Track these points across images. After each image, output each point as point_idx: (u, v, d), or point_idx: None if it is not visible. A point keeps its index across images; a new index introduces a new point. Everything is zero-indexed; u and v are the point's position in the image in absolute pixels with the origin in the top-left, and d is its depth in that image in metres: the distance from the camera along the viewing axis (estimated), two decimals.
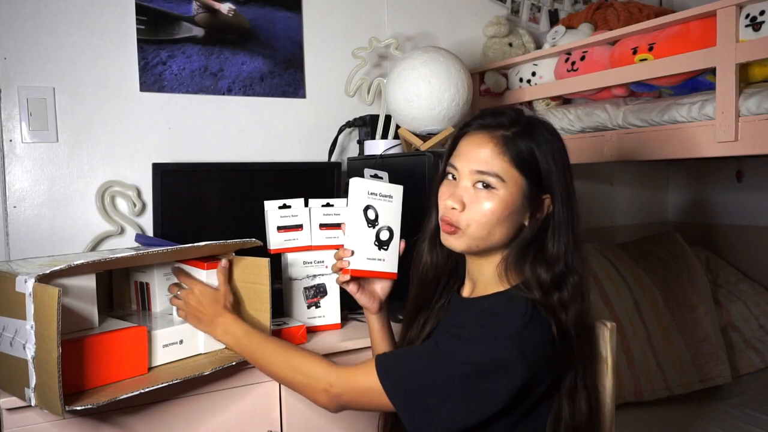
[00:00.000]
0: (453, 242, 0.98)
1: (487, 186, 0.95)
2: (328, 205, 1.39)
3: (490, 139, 0.96)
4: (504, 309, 0.92)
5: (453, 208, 0.96)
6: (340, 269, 1.08)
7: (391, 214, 1.11)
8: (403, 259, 1.12)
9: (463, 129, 1.02)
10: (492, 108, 1.04)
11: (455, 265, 1.09)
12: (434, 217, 1.04)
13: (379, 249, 1.09)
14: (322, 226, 1.38)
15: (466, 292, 1.06)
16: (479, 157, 0.95)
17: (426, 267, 1.08)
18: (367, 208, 1.08)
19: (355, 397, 0.94)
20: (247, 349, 1.07)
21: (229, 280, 1.19)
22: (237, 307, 1.18)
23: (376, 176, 1.31)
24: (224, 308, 1.13)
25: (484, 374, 0.86)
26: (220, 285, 1.16)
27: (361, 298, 1.11)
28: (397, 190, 1.12)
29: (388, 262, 1.11)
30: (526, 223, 0.97)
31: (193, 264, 1.19)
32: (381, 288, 1.13)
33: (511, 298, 0.94)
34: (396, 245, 1.12)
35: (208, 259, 1.18)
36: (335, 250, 1.10)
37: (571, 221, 0.97)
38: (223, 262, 1.18)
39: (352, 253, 1.07)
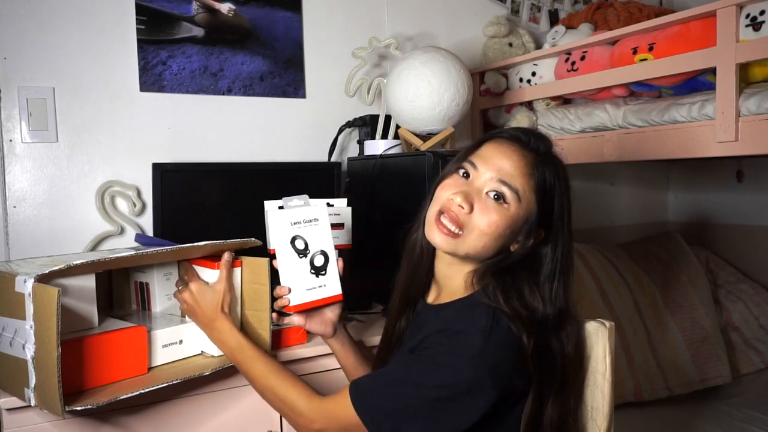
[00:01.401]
0: (445, 243, 0.93)
1: (499, 198, 0.92)
2: (328, 205, 1.39)
3: (522, 156, 0.93)
4: (464, 324, 0.89)
5: (460, 206, 0.92)
6: (282, 307, 1.06)
7: (321, 236, 1.07)
8: (394, 250, 1.09)
9: (493, 134, 0.99)
10: (525, 128, 1.03)
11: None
12: (432, 207, 0.98)
13: (317, 276, 1.06)
14: None
15: (431, 297, 1.03)
16: (505, 167, 0.92)
17: (417, 255, 1.03)
18: (293, 239, 1.04)
19: (337, 430, 0.92)
20: (237, 363, 1.05)
21: (232, 276, 1.14)
22: (236, 307, 1.16)
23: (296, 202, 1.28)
24: (221, 312, 1.07)
25: (454, 396, 0.85)
26: (220, 282, 1.10)
27: (312, 327, 1.09)
28: (320, 210, 1.08)
29: (330, 285, 1.08)
30: (513, 249, 0.96)
31: (202, 264, 1.15)
32: (331, 311, 1.10)
33: (471, 306, 0.92)
34: (334, 266, 1.09)
35: (217, 258, 1.13)
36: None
37: (566, 260, 0.96)
38: (226, 255, 1.12)
39: (290, 290, 1.05)
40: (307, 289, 1.05)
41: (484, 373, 0.84)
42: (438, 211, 0.94)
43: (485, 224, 0.91)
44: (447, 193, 0.94)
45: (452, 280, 0.99)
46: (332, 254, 1.08)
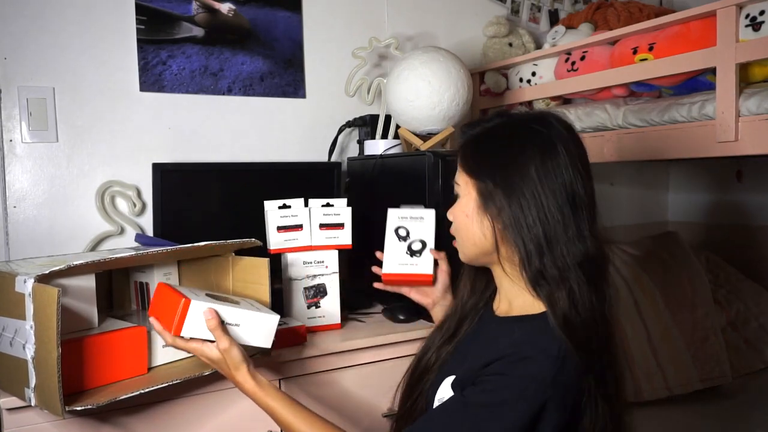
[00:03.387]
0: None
1: (456, 195, 0.97)
2: (328, 205, 1.39)
3: (459, 149, 0.98)
4: (532, 349, 0.84)
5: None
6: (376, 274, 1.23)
7: (424, 230, 1.27)
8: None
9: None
10: (468, 122, 1.06)
11: (490, 283, 1.03)
12: None
13: (411, 256, 1.25)
14: (322, 226, 1.38)
15: (495, 304, 1.01)
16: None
17: (461, 277, 1.07)
18: (397, 228, 1.27)
19: None
20: (265, 409, 0.99)
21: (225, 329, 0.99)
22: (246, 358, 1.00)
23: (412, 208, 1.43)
24: (234, 371, 0.98)
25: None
26: (219, 344, 0.97)
27: (414, 296, 1.24)
28: (428, 213, 1.28)
29: (422, 266, 1.24)
30: (486, 231, 0.92)
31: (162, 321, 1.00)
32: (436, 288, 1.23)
33: (540, 330, 0.86)
34: (429, 254, 1.24)
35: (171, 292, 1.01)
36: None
37: (525, 219, 0.87)
38: (207, 313, 0.97)
39: (385, 260, 1.24)
40: (400, 263, 1.25)
41: (551, 396, 0.81)
42: None
43: (453, 222, 0.98)
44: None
45: (503, 286, 0.98)
46: (430, 244, 1.26)
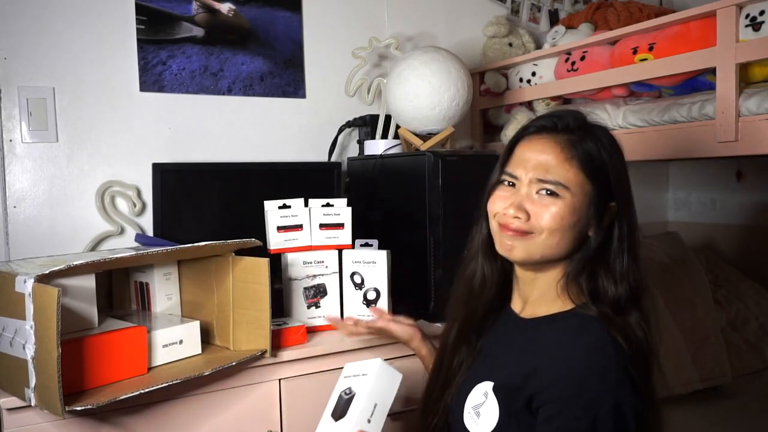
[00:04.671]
0: (517, 248, 0.90)
1: (551, 193, 0.88)
2: (328, 205, 1.39)
3: (554, 144, 0.89)
4: (588, 359, 0.82)
5: (516, 217, 0.89)
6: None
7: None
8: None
9: (521, 132, 0.95)
10: (549, 112, 0.98)
11: (506, 280, 1.00)
12: (485, 227, 0.97)
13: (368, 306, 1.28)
14: (322, 226, 1.38)
15: (518, 307, 0.98)
16: (542, 163, 0.89)
17: (479, 283, 0.99)
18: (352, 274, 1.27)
19: None
20: None
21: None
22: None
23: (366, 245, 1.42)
24: None
25: None
26: None
27: (396, 331, 1.20)
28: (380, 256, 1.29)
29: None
30: (591, 234, 0.90)
31: None
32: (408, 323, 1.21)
33: (579, 330, 0.86)
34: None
35: None
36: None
37: (634, 233, 0.90)
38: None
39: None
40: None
41: (623, 396, 0.81)
42: (500, 226, 0.92)
43: (549, 219, 0.88)
44: (499, 208, 0.92)
45: (537, 290, 0.94)
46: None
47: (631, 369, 0.82)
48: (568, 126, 0.91)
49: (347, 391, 0.98)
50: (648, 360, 0.86)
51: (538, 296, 0.94)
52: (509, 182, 0.93)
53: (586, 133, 0.91)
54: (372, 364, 0.99)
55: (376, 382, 0.96)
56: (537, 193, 0.89)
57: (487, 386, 0.91)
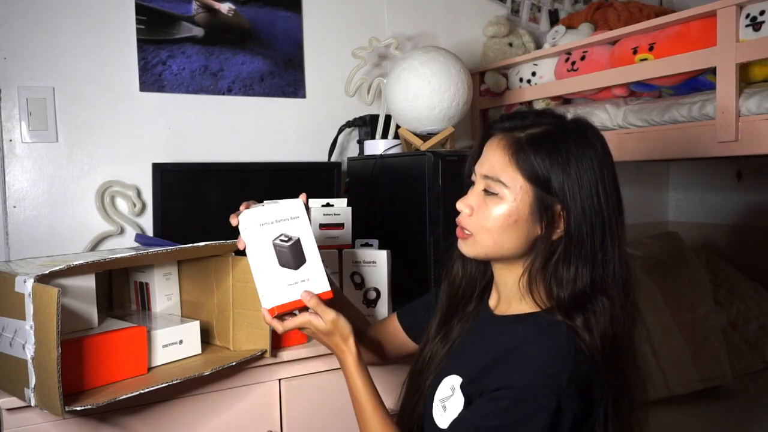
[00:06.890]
0: (463, 247, 0.95)
1: (490, 193, 0.91)
2: (328, 205, 1.39)
3: (504, 144, 0.90)
4: (548, 358, 0.84)
5: (463, 211, 0.94)
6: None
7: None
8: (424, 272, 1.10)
9: (486, 132, 0.97)
10: (515, 112, 0.98)
11: (488, 274, 1.02)
12: None
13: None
14: (322, 226, 1.38)
15: (493, 302, 1.00)
16: (489, 161, 0.91)
17: (457, 278, 1.03)
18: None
19: None
20: (352, 386, 1.00)
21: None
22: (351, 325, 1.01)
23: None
24: (344, 340, 0.99)
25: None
26: (325, 316, 0.98)
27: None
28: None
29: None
30: (539, 234, 0.90)
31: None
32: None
33: (547, 328, 0.88)
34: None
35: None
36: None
37: (592, 240, 0.87)
38: (305, 296, 0.97)
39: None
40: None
41: (568, 395, 0.82)
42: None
43: (484, 219, 0.91)
44: (457, 207, 0.96)
45: (507, 286, 0.96)
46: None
47: (586, 380, 0.84)
48: (518, 126, 0.92)
49: (284, 238, 0.92)
50: (605, 364, 0.86)
51: (509, 293, 0.96)
52: (470, 182, 0.97)
53: (539, 134, 0.90)
54: (292, 205, 0.98)
55: (307, 221, 0.97)
56: (482, 191, 0.93)
57: (454, 380, 0.93)
